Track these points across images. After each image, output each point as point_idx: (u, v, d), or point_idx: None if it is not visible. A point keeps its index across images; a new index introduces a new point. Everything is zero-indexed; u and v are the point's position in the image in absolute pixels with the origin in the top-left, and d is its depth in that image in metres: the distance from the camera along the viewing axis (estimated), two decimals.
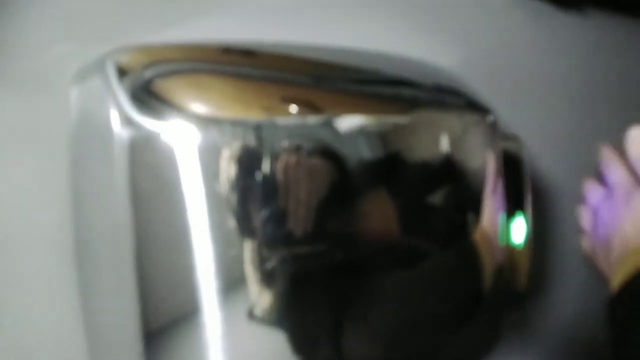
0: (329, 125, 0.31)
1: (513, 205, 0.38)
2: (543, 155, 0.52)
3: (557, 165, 0.53)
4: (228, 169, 0.28)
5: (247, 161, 0.29)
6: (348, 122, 0.31)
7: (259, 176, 0.29)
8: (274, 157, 0.29)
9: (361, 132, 0.32)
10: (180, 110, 0.29)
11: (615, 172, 0.43)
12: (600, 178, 0.46)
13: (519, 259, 0.39)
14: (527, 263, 0.39)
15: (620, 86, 0.67)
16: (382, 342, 0.34)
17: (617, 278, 0.39)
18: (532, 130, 0.54)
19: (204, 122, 0.28)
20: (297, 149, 0.30)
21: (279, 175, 0.29)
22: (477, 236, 0.36)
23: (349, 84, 0.35)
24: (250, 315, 0.29)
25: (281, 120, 0.29)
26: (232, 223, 0.29)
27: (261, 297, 0.29)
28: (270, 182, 0.29)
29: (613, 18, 0.68)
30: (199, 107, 0.29)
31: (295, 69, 0.34)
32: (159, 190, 0.28)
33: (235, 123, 0.29)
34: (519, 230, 0.39)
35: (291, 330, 0.30)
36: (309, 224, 0.30)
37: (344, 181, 0.31)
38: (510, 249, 0.38)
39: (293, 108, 0.30)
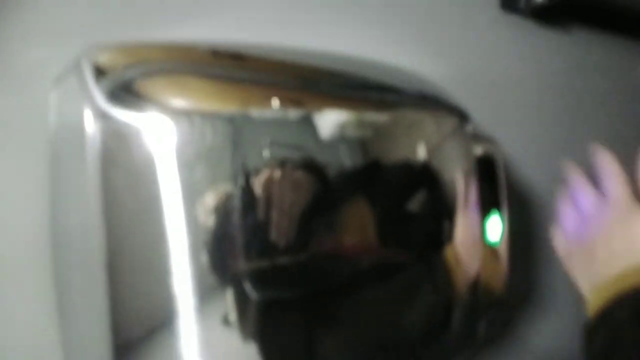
0: (307, 121, 0.30)
1: (489, 204, 0.38)
2: (525, 164, 0.53)
3: (538, 172, 0.54)
4: (207, 172, 0.27)
5: (229, 166, 0.28)
6: (327, 118, 0.31)
7: (241, 186, 0.28)
8: (257, 170, 0.29)
9: (341, 136, 0.32)
10: (156, 104, 0.28)
11: (618, 185, 0.41)
12: (593, 181, 0.44)
13: (496, 258, 0.38)
14: (505, 262, 0.39)
15: (600, 99, 0.68)
16: (356, 357, 0.33)
17: (595, 302, 0.38)
18: (514, 140, 0.54)
19: (179, 114, 0.27)
20: (282, 163, 0.29)
21: (263, 188, 0.29)
22: (453, 244, 0.36)
23: (334, 88, 0.35)
24: (226, 321, 0.29)
25: (257, 113, 0.29)
26: (210, 226, 0.28)
27: (237, 306, 0.29)
28: (252, 193, 0.28)
29: (595, 35, 0.69)
30: (176, 102, 0.28)
31: (282, 72, 0.34)
32: (133, 188, 0.27)
33: (210, 115, 0.28)
34: (495, 228, 0.38)
35: (264, 343, 0.29)
36: (291, 234, 0.29)
37: (325, 192, 0.31)
38: (486, 248, 0.38)
39: (273, 102, 0.30)
